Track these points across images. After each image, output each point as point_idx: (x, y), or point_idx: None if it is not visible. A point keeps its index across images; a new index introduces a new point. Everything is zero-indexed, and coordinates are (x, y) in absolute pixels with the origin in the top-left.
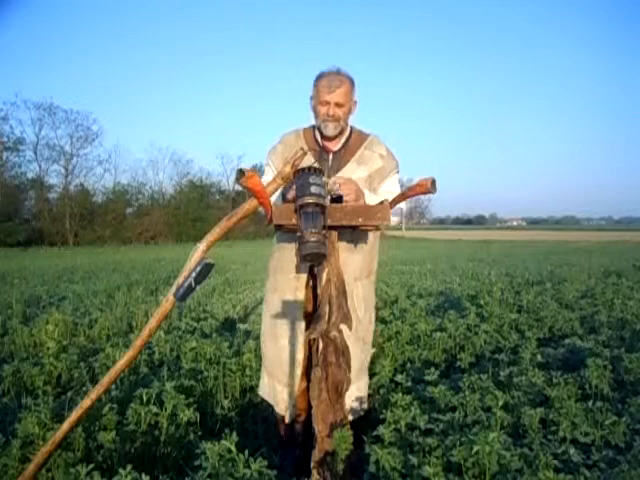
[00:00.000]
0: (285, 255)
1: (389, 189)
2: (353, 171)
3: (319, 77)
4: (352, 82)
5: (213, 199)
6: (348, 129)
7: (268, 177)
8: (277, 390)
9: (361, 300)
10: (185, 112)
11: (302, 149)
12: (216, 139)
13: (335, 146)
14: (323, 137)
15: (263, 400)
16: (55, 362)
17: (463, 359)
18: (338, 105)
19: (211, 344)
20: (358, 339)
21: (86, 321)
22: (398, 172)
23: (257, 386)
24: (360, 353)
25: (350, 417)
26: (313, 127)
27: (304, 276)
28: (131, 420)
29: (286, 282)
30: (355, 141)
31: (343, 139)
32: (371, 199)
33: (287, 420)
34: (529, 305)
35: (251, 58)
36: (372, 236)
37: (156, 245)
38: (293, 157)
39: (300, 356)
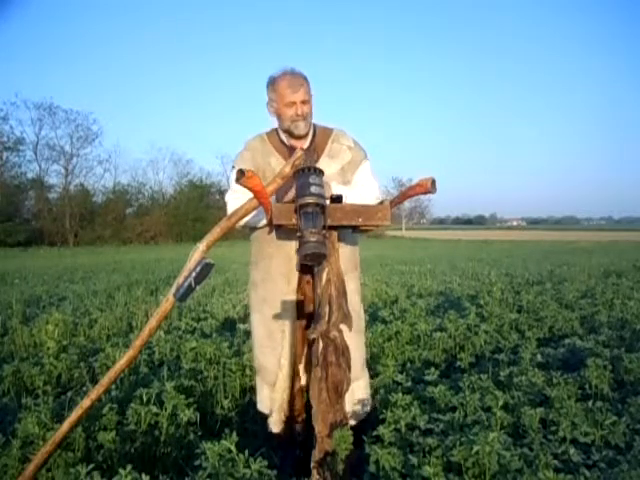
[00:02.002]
0: (272, 264)
1: (362, 177)
2: (327, 166)
3: (275, 81)
4: (307, 79)
5: (213, 199)
6: (312, 126)
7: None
8: (277, 401)
9: (353, 294)
10: (185, 112)
11: (301, 148)
12: (216, 139)
13: (303, 144)
14: (291, 137)
15: (264, 414)
16: (55, 362)
17: (463, 359)
18: (304, 103)
19: (211, 344)
20: (357, 332)
21: (86, 321)
22: (367, 160)
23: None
24: (362, 346)
25: (353, 421)
26: (275, 130)
27: (294, 279)
28: (131, 420)
29: (276, 289)
30: (321, 136)
31: (310, 137)
32: (345, 191)
33: (277, 429)
34: (529, 305)
35: (251, 58)
36: None
37: (156, 245)
38: (293, 157)
39: (285, 360)
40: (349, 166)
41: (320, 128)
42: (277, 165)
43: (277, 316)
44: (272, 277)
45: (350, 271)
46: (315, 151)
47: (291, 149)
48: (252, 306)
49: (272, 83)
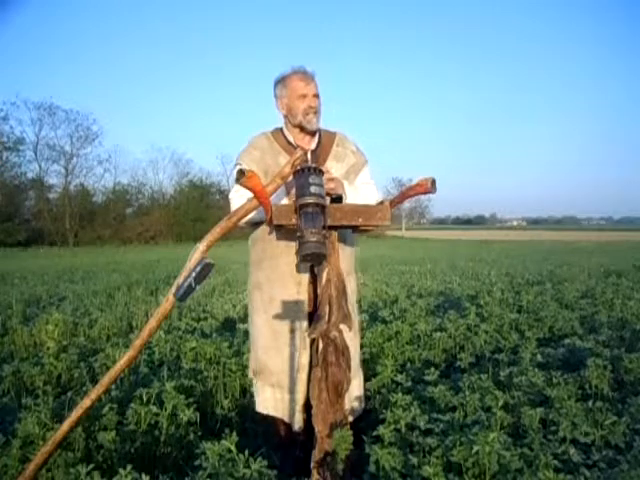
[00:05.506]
0: (280, 264)
1: (364, 181)
2: (333, 168)
3: (285, 77)
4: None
5: (213, 199)
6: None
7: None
8: (286, 400)
9: (353, 294)
10: (185, 112)
11: (302, 149)
12: (216, 139)
13: (309, 145)
14: (302, 132)
15: (266, 416)
16: (55, 362)
17: (463, 359)
18: (315, 97)
19: (211, 344)
20: (354, 333)
21: (86, 321)
22: (367, 164)
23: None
24: (357, 347)
25: (350, 418)
26: (280, 130)
27: (305, 279)
28: (131, 420)
29: (285, 289)
30: (327, 139)
31: (316, 138)
32: (352, 192)
33: (297, 428)
34: (529, 305)
35: (251, 57)
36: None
37: (156, 245)
38: (293, 157)
39: (305, 360)
40: (352, 169)
41: (324, 131)
42: (282, 163)
43: (287, 316)
44: (280, 276)
45: (350, 272)
46: (322, 153)
47: (299, 149)
48: (255, 307)
49: (282, 80)
